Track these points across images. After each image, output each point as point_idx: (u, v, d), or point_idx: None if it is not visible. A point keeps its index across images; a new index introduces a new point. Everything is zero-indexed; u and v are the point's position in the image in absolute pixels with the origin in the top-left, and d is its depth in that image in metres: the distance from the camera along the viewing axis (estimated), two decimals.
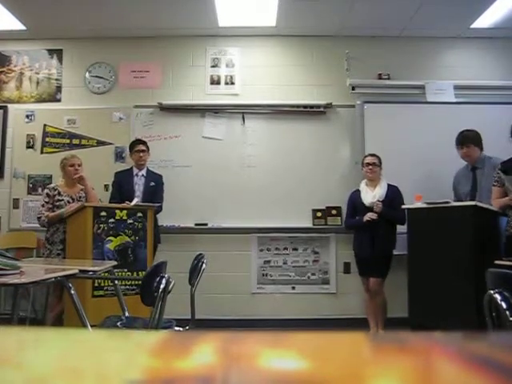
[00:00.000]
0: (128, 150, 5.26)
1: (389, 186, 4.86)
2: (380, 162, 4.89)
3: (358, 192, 4.94)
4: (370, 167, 4.84)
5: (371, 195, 4.80)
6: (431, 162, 5.34)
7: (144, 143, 5.15)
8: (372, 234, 4.72)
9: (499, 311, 2.05)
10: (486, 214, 3.99)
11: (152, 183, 5.07)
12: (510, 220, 3.87)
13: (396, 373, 0.31)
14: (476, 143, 4.56)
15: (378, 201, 4.73)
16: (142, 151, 5.07)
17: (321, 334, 0.36)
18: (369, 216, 4.70)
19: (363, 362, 0.32)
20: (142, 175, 5.10)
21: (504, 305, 2.00)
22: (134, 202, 4.59)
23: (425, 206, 4.34)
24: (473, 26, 5.48)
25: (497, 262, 2.93)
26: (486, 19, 5.34)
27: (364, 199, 4.82)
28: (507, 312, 1.98)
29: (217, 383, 0.28)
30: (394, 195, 4.81)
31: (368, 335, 0.37)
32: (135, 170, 5.10)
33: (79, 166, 4.75)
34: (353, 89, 5.61)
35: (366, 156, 5.00)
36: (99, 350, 0.33)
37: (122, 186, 5.02)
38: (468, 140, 4.56)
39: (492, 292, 2.09)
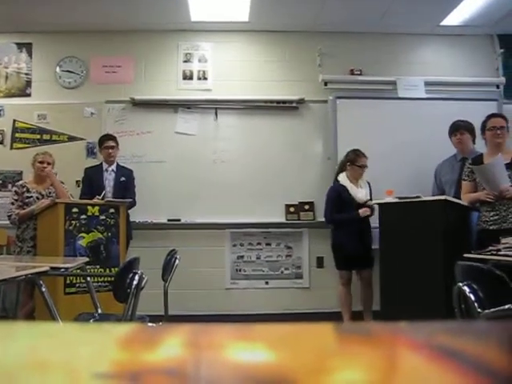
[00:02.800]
0: None
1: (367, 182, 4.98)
2: None
3: (342, 187, 4.87)
4: (365, 169, 4.90)
5: (363, 192, 4.83)
6: (403, 156, 5.41)
7: (113, 139, 5.08)
8: (361, 228, 4.76)
9: (468, 303, 2.09)
10: (457, 209, 4.05)
11: (122, 178, 5.03)
12: (482, 215, 3.94)
13: (361, 363, 0.32)
14: (470, 132, 4.59)
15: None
16: (111, 147, 5.02)
17: (288, 326, 0.37)
18: (363, 211, 4.75)
19: (329, 353, 0.33)
20: (112, 170, 5.05)
21: (472, 297, 2.04)
22: (102, 195, 4.55)
23: (396, 200, 4.38)
24: (443, 23, 5.56)
25: (465, 255, 2.98)
26: (456, 17, 5.41)
27: (355, 196, 4.80)
28: (475, 304, 2.02)
29: (185, 375, 0.29)
30: (370, 190, 4.93)
31: (335, 326, 0.38)
32: (105, 166, 5.05)
33: (49, 164, 4.68)
34: (325, 84, 5.64)
35: (360, 156, 4.92)
36: (68, 343, 0.33)
37: (92, 182, 4.96)
38: (462, 127, 4.62)
39: (461, 284, 2.13)
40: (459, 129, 4.63)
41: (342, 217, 4.87)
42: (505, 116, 4.26)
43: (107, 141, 5.04)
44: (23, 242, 4.53)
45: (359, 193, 4.84)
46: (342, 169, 4.98)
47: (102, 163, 5.10)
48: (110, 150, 5.01)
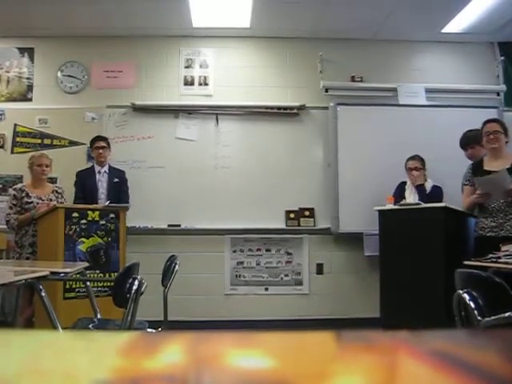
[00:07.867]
0: None
1: (434, 186, 4.83)
2: (423, 164, 4.89)
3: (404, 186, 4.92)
4: (413, 172, 4.85)
5: (413, 196, 4.78)
6: (403, 163, 5.39)
7: (104, 139, 5.04)
8: None
9: (468, 311, 2.08)
10: (457, 216, 4.05)
11: (116, 179, 4.99)
12: (479, 221, 3.93)
13: (362, 371, 0.32)
14: (480, 143, 4.35)
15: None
16: (102, 148, 4.97)
17: (289, 334, 0.37)
18: None
19: (330, 361, 0.33)
20: (105, 172, 5.00)
21: (472, 304, 2.03)
22: (106, 204, 4.53)
23: (396, 207, 4.38)
24: (444, 30, 5.57)
25: (465, 262, 2.98)
26: (457, 24, 5.43)
27: (406, 199, 4.76)
28: (475, 311, 2.01)
29: (186, 382, 0.28)
30: (434, 195, 4.71)
31: (335, 334, 0.38)
32: (97, 168, 5.00)
33: (47, 166, 4.64)
34: (326, 91, 5.64)
35: (407, 160, 4.95)
36: (67, 351, 0.33)
37: (84, 185, 4.90)
38: (471, 141, 4.48)
39: (461, 292, 2.12)
40: (470, 143, 4.51)
41: None
42: (499, 120, 4.20)
43: (98, 141, 5.00)
44: (22, 248, 4.48)
45: (410, 196, 4.80)
46: None
47: (93, 165, 5.05)
48: (101, 150, 4.96)
